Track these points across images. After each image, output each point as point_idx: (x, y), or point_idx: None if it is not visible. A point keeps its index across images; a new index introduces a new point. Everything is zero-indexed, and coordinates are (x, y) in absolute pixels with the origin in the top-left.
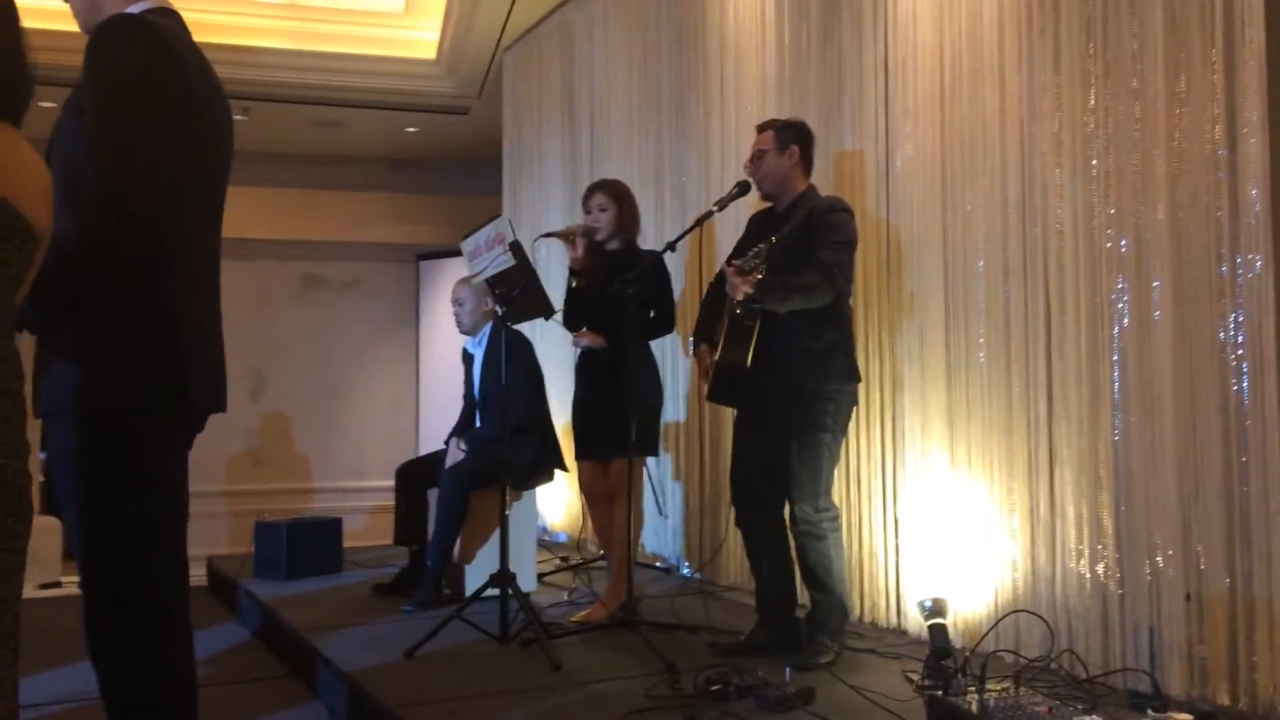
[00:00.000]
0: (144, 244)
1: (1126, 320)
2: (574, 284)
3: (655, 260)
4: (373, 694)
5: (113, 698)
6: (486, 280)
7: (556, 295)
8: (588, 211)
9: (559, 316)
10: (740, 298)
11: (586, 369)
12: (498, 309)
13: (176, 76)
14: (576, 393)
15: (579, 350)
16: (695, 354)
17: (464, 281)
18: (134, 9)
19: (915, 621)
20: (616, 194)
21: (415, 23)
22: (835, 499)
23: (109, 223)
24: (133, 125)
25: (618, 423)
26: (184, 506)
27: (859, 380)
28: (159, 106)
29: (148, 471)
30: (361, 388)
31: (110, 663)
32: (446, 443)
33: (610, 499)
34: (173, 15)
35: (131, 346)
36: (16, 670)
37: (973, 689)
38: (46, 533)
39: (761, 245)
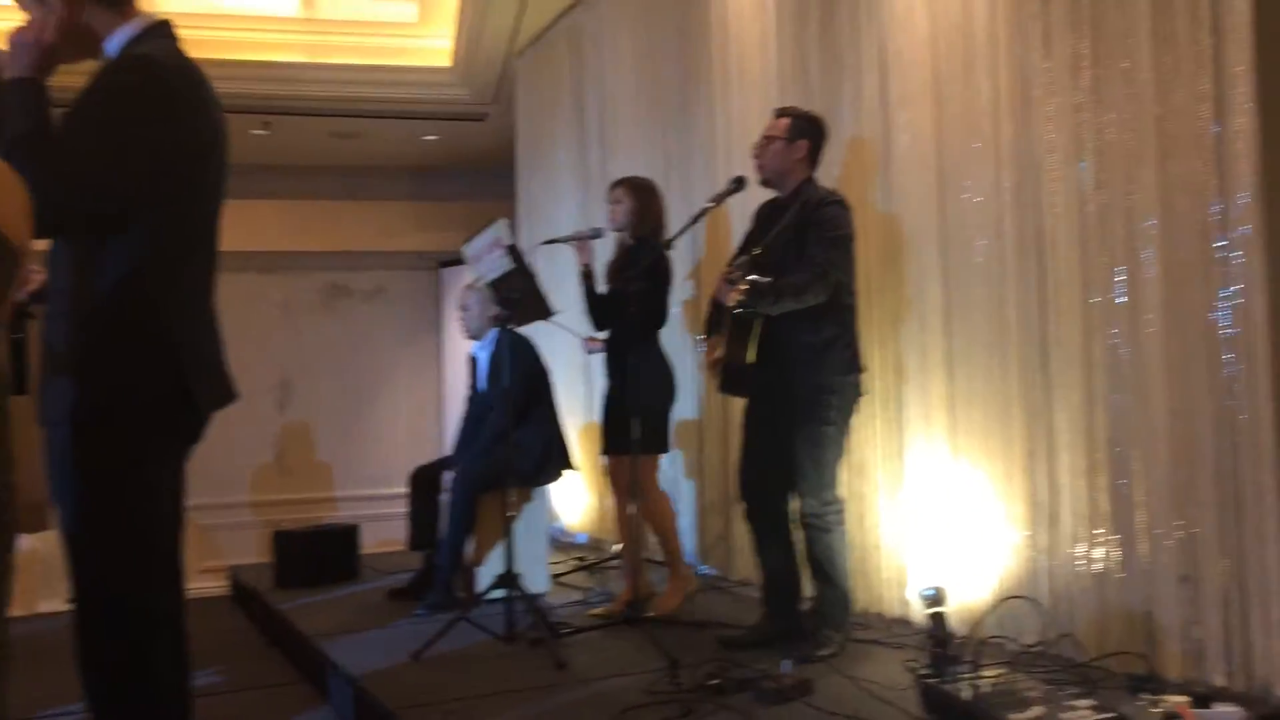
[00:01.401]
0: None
1: (1121, 302)
2: (588, 284)
3: (646, 254)
4: (376, 696)
5: (102, 705)
6: (489, 284)
7: (574, 297)
8: (609, 203)
9: (561, 317)
10: (732, 305)
11: (609, 367)
12: (499, 311)
13: (166, 96)
14: (605, 390)
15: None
16: (705, 347)
17: (470, 287)
18: (127, 30)
19: (919, 611)
20: (635, 187)
21: (429, 31)
22: (841, 490)
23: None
24: (94, 126)
25: (619, 420)
26: (179, 513)
27: (862, 371)
28: (134, 113)
29: (144, 479)
30: (386, 395)
31: (101, 668)
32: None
33: (624, 496)
34: (164, 32)
35: (130, 357)
36: (6, 682)
37: (968, 676)
38: None
39: (745, 258)
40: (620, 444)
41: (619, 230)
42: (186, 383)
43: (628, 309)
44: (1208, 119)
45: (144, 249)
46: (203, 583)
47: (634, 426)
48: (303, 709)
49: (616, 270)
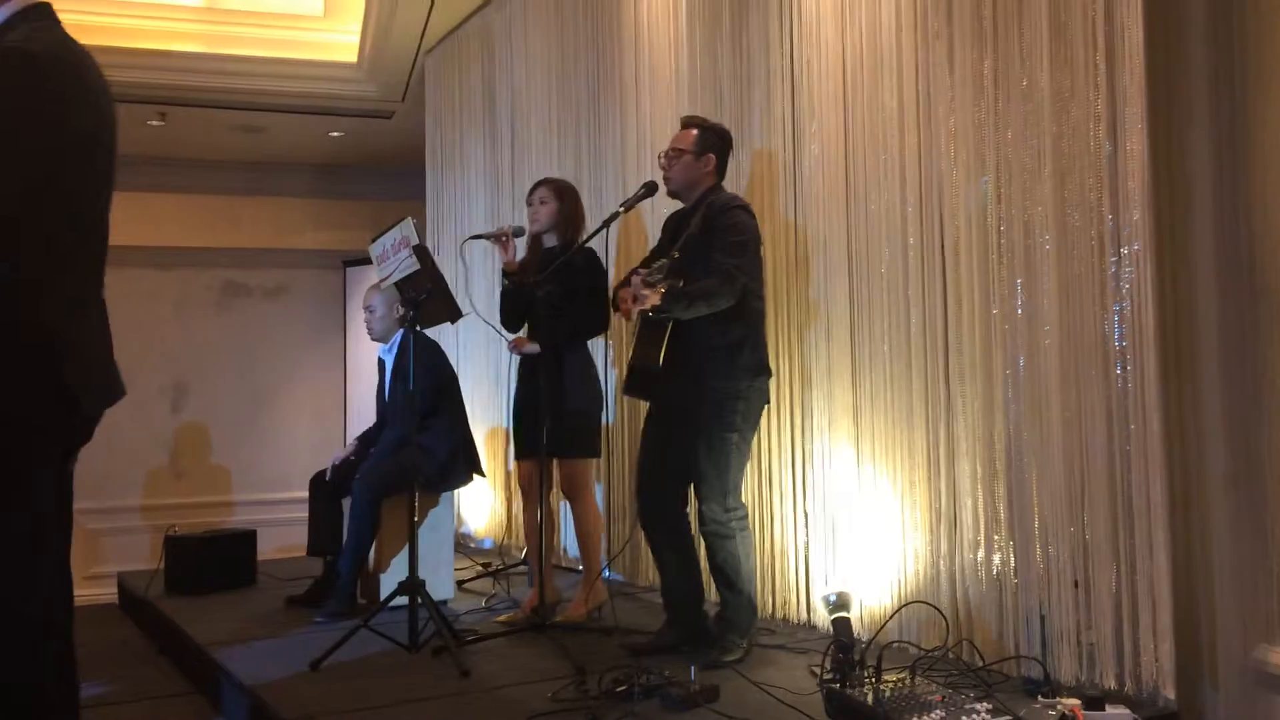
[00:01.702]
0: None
1: (1019, 314)
2: (506, 284)
3: (580, 260)
4: (273, 707)
5: None
6: (395, 284)
7: (490, 298)
8: (530, 205)
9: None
10: (648, 308)
11: (524, 370)
12: (405, 312)
13: (56, 91)
14: (516, 393)
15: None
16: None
17: (375, 288)
18: (5, 10)
19: (824, 616)
20: (559, 190)
21: (335, 26)
22: (746, 496)
23: None
24: None
25: (551, 423)
26: (67, 519)
27: (769, 375)
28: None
29: (24, 482)
30: (286, 397)
31: None
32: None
33: (535, 499)
34: (42, 14)
35: (7, 356)
36: None
37: (870, 680)
38: None
39: (665, 260)
40: (548, 448)
41: (543, 231)
42: (69, 381)
43: (538, 314)
44: (1101, 139)
45: (24, 243)
46: (91, 589)
47: (570, 430)
48: None
49: (542, 272)
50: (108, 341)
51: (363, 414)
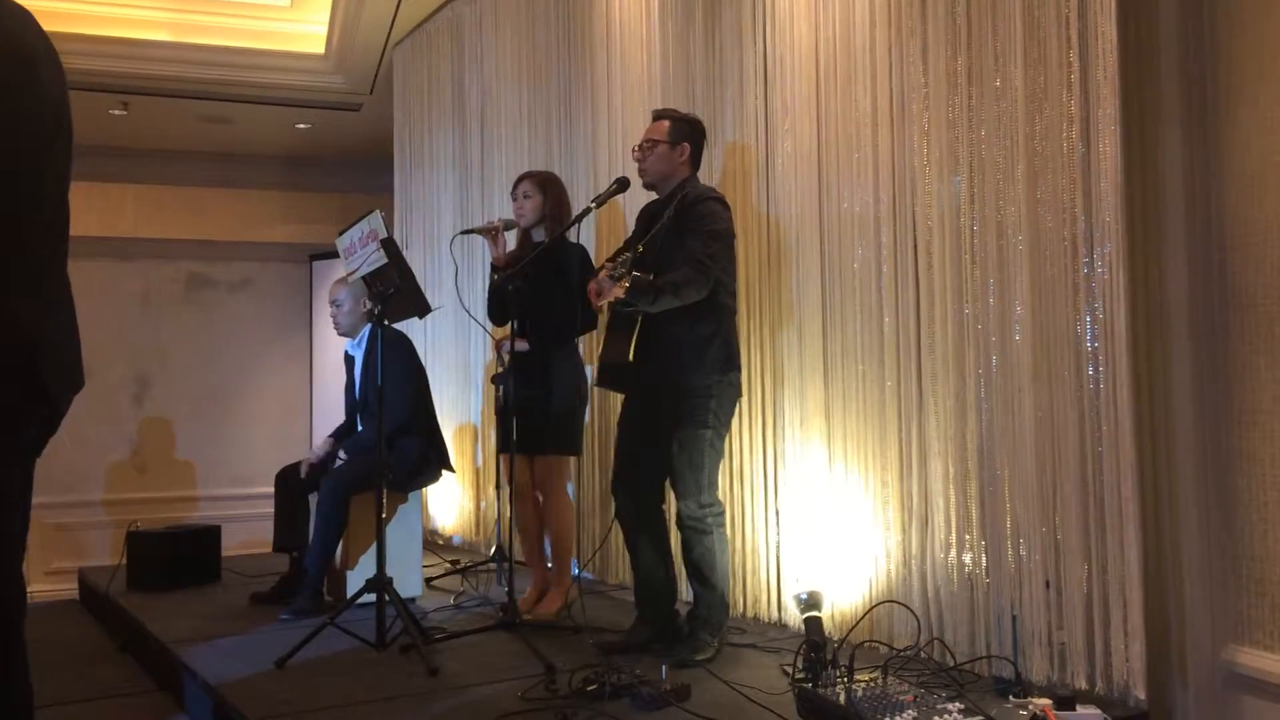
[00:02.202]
0: None
1: (991, 314)
2: (495, 278)
3: (572, 255)
4: (237, 706)
5: None
6: (363, 278)
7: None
8: (514, 200)
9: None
10: (613, 300)
11: (514, 366)
12: (373, 307)
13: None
14: (505, 389)
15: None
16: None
17: (341, 282)
18: None
19: (795, 615)
20: (542, 183)
21: (303, 16)
22: (720, 493)
23: None
24: None
25: (534, 419)
26: (26, 516)
27: (739, 370)
28: None
29: (4, 482)
30: (251, 391)
31: None
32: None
33: (531, 495)
34: None
35: None
36: None
37: (842, 680)
38: None
39: (629, 254)
40: (527, 443)
41: (530, 226)
42: (44, 377)
43: (510, 309)
44: (1074, 139)
45: None
46: (51, 585)
47: (552, 427)
48: (157, 719)
49: (532, 266)
50: (75, 333)
51: (328, 410)
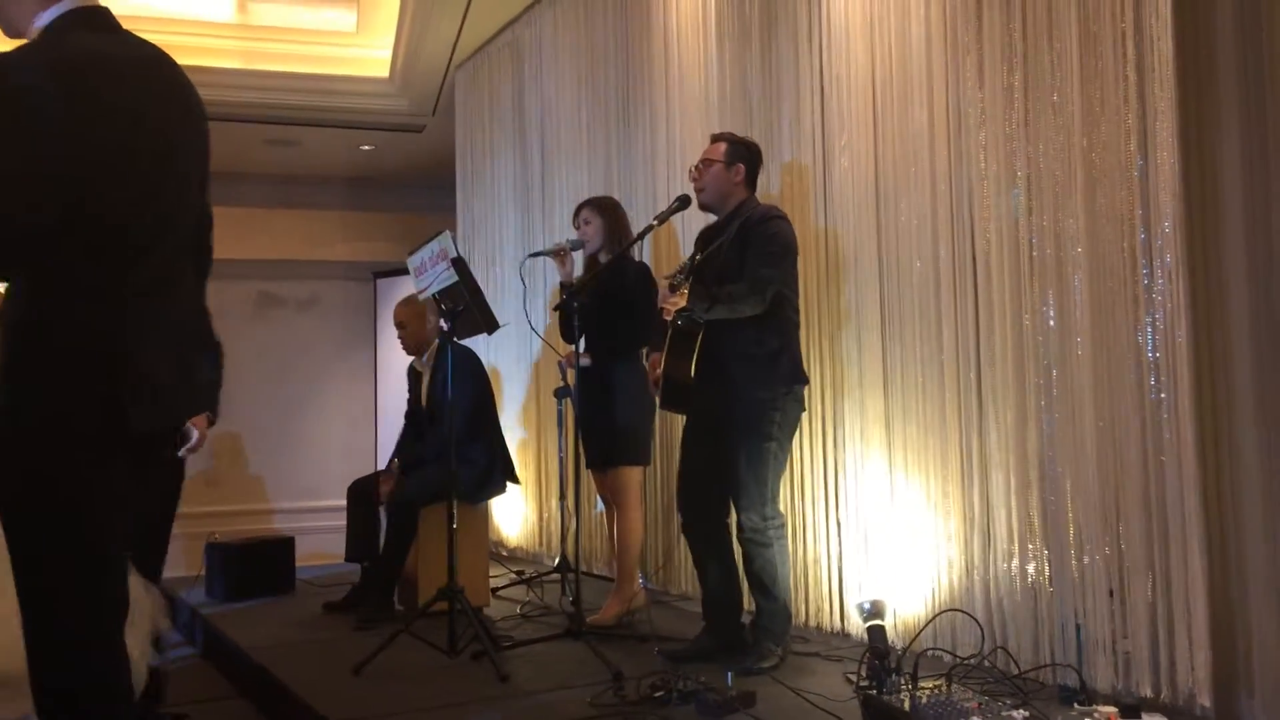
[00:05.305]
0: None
1: (1051, 325)
2: (563, 298)
3: (631, 274)
4: (318, 711)
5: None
6: (434, 295)
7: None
8: (576, 227)
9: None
10: (672, 311)
11: (582, 382)
12: (444, 324)
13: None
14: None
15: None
16: (647, 363)
17: (404, 304)
18: (51, 13)
19: (858, 624)
20: (602, 207)
21: (368, 41)
22: (781, 505)
23: None
24: None
25: (601, 434)
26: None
27: (805, 383)
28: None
29: (60, 489)
30: (318, 406)
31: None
32: (390, 463)
33: (611, 507)
34: (95, 18)
35: (51, 366)
36: None
37: (907, 687)
38: None
39: (685, 261)
40: (596, 458)
41: (596, 250)
42: (118, 393)
43: (573, 325)
44: (1133, 152)
45: (76, 255)
46: None
47: (619, 441)
48: None
49: (584, 282)
50: (184, 356)
51: (393, 424)
